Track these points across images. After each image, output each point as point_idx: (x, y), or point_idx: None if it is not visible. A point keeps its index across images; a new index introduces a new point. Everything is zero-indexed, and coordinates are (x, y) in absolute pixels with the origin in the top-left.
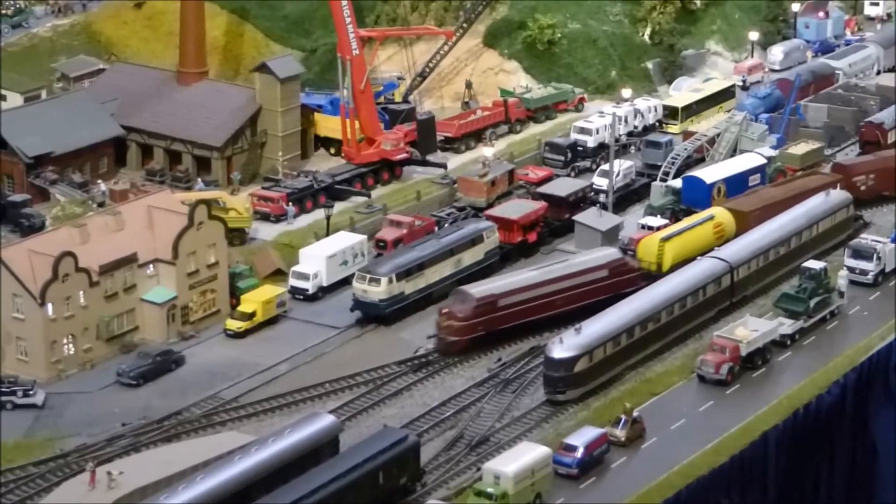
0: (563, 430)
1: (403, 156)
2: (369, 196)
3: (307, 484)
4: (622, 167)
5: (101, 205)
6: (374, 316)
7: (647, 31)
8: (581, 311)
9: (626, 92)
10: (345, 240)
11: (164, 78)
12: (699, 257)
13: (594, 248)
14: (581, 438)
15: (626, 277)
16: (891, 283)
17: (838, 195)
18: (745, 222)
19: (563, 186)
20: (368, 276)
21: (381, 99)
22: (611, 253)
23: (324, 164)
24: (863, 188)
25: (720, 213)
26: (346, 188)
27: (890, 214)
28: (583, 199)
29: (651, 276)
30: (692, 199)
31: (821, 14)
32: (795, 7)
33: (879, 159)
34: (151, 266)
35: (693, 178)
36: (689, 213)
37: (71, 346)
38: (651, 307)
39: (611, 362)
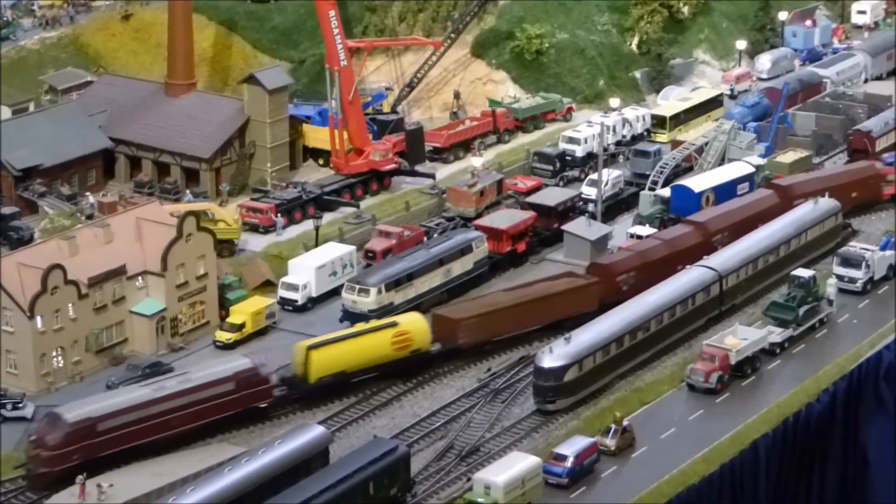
0: (553, 439)
1: (392, 166)
2: (358, 207)
3: (298, 495)
4: (611, 176)
5: (89, 217)
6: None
7: (635, 40)
8: (205, 429)
9: (615, 101)
10: (334, 250)
11: (153, 90)
12: (688, 266)
13: (224, 358)
14: (571, 448)
15: (257, 390)
16: (880, 291)
17: (827, 203)
18: (454, 331)
19: (552, 196)
20: (358, 286)
21: (370, 109)
22: (241, 364)
23: (312, 175)
24: None
25: (409, 322)
26: (334, 199)
27: (878, 222)
28: (572, 209)
29: (297, 384)
30: (681, 208)
31: (808, 23)
32: (783, 16)
33: None
34: (140, 278)
35: (682, 187)
36: (677, 221)
37: (60, 358)
38: (640, 316)
39: (600, 371)
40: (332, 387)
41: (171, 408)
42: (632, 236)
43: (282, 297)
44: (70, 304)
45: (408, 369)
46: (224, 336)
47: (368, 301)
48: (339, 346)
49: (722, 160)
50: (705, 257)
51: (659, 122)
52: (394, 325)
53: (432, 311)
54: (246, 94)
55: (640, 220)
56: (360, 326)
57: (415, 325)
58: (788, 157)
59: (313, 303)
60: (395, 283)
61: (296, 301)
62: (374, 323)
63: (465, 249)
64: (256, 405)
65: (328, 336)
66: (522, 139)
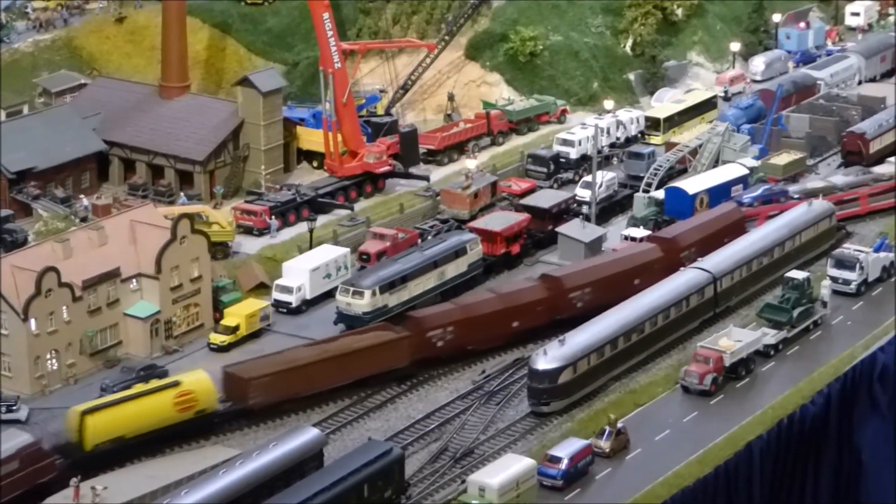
0: (547, 441)
1: (386, 168)
2: (352, 209)
3: (292, 497)
4: (605, 178)
5: (83, 220)
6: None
7: (629, 42)
8: None
9: (609, 103)
10: (328, 253)
11: (147, 92)
12: (682, 268)
13: (5, 434)
14: (565, 450)
15: (41, 465)
16: (874, 292)
17: (820, 205)
18: (244, 391)
19: (546, 198)
20: (352, 288)
21: (364, 112)
22: (22, 440)
23: (307, 178)
24: None
25: (194, 381)
26: (329, 201)
27: (873, 224)
28: (566, 211)
29: (71, 452)
30: (675, 209)
31: (802, 25)
32: (776, 18)
33: None
34: (135, 280)
35: (676, 188)
36: (671, 223)
37: (54, 361)
38: (635, 318)
39: (595, 373)
40: (111, 453)
41: None
42: (626, 238)
43: (276, 300)
44: (64, 307)
45: (194, 431)
46: (218, 338)
47: (362, 303)
48: (117, 409)
49: (716, 162)
50: (699, 259)
51: (653, 124)
52: (176, 384)
53: (223, 369)
54: (240, 97)
55: (635, 223)
56: (139, 388)
57: (199, 385)
58: (782, 158)
59: (307, 305)
60: (389, 286)
61: (290, 303)
62: (153, 384)
63: (459, 252)
64: (41, 482)
65: (104, 399)
66: (516, 141)
